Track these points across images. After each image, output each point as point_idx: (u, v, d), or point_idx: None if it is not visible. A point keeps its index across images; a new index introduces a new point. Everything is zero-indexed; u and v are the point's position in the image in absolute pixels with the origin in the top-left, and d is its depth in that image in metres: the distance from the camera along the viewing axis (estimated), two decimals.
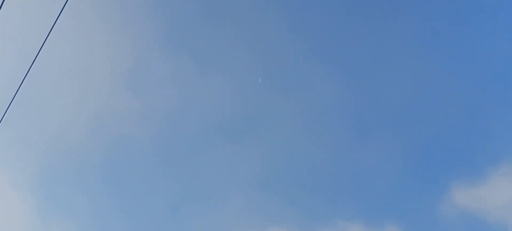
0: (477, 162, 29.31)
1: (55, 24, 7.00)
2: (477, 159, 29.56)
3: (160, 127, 30.06)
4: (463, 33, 30.22)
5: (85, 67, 27.70)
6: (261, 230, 28.86)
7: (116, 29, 27.65)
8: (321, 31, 30.61)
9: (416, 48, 30.58)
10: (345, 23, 30.64)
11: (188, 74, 29.54)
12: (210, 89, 29.73)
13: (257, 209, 30.02)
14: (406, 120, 30.75)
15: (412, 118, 30.59)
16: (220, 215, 29.79)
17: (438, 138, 30.56)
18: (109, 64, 28.39)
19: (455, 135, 30.41)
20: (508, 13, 29.60)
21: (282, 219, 29.29)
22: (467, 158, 29.92)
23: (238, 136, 30.67)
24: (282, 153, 30.88)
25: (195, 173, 30.19)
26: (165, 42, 29.19)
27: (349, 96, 30.94)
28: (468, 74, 30.45)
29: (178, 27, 29.12)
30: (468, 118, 30.16)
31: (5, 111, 8.45)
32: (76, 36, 25.98)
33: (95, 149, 28.85)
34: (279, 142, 30.78)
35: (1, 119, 8.44)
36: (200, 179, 29.99)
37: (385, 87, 30.62)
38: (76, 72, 27.37)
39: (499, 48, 29.81)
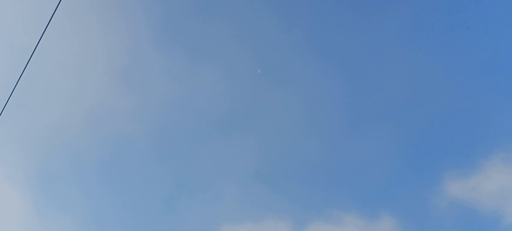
0: (469, 152, 29.68)
1: (50, 21, 7.22)
2: (469, 149, 29.93)
3: (156, 122, 30.28)
4: (456, 25, 30.53)
5: (80, 64, 27.87)
6: (257, 222, 29.17)
7: (110, 26, 27.80)
8: (316, 23, 30.86)
9: (408, 41, 30.88)
10: (340, 16, 30.90)
11: (183, 69, 29.76)
12: (205, 83, 29.97)
13: (252, 201, 30.34)
14: (399, 111, 31.07)
15: (405, 109, 30.92)
16: (215, 208, 30.11)
17: (431, 130, 30.91)
18: (104, 61, 28.56)
19: (448, 126, 30.76)
20: (502, 5, 29.89)
21: (277, 211, 29.63)
22: (459, 149, 30.28)
23: (233, 129, 30.96)
24: (277, 145, 31.19)
25: (190, 166, 30.47)
26: (159, 38, 29.36)
27: (343, 89, 31.24)
28: (460, 66, 30.78)
29: (171, 21, 29.31)
30: (460, 109, 30.51)
31: (3, 109, 8.65)
32: (71, 33, 26.13)
33: (91, 145, 29.06)
34: (274, 134, 31.08)
35: None
36: (196, 173, 30.26)
37: (378, 79, 30.93)
38: (71, 70, 27.54)
39: (492, 41, 30.14)
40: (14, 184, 27.27)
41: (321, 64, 30.95)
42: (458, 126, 30.60)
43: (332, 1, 30.68)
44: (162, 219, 30.00)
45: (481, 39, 30.25)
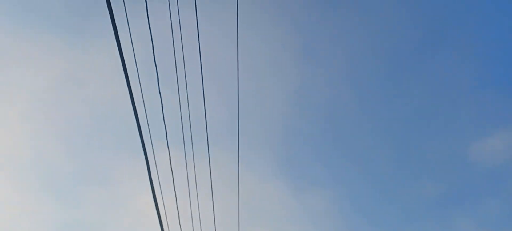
0: None
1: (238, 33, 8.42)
2: None
3: (358, 83, 30.78)
4: None
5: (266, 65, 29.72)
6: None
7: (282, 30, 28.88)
8: None
9: None
10: None
11: (343, 33, 29.68)
12: (365, 41, 29.60)
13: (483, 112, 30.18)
14: None
15: None
16: (456, 127, 30.27)
17: None
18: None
19: None
20: None
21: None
22: None
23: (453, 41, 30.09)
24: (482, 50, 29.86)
25: (412, 100, 30.24)
26: (314, 13, 29.42)
27: None
28: None
29: None
30: None
31: (238, 129, 10.34)
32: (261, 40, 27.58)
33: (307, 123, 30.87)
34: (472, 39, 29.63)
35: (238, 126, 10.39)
36: (421, 104, 30.06)
37: None
38: (266, 71, 29.49)
39: None
40: (272, 177, 30.55)
41: None
42: None
43: None
44: (409, 152, 31.49)
45: None
